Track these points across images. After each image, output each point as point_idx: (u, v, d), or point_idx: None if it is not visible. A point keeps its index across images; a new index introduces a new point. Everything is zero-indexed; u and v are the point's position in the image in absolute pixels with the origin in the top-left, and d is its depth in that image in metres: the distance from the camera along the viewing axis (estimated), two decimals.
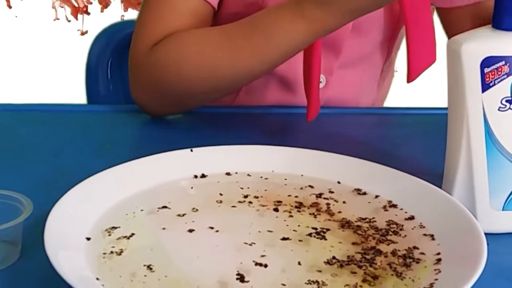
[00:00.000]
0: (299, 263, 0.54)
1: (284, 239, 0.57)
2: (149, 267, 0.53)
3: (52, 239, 0.52)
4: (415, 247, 0.56)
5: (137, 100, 0.78)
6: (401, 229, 0.59)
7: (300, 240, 0.57)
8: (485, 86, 0.58)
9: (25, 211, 0.56)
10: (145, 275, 0.52)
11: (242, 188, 0.64)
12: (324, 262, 0.54)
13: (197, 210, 0.61)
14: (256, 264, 0.54)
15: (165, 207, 0.61)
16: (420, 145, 0.77)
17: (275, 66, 0.72)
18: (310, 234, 0.58)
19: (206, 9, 0.77)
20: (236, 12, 0.77)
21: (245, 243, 0.56)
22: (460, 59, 0.58)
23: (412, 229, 0.59)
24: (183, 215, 0.60)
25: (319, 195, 0.63)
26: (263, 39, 0.70)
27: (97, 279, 0.51)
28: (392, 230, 0.59)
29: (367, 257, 0.55)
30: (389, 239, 0.57)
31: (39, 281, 0.54)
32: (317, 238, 0.57)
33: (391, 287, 0.52)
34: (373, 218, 0.60)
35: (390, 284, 0.52)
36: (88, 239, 0.56)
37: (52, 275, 0.50)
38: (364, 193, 0.64)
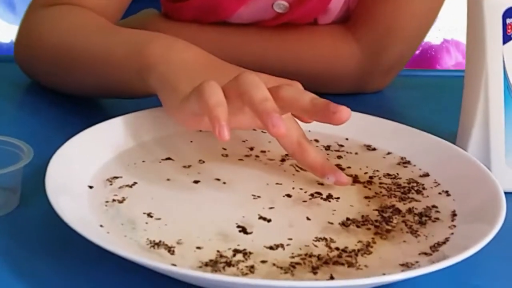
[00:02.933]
0: (307, 218, 0.52)
1: (291, 194, 0.55)
2: (149, 215, 0.51)
3: (53, 184, 0.50)
4: (434, 206, 0.54)
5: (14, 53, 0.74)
6: (423, 188, 0.56)
7: (311, 195, 0.55)
8: (507, 38, 0.56)
9: (25, 157, 0.54)
10: (146, 223, 0.50)
11: (244, 141, 0.62)
12: (337, 220, 0.52)
13: (203, 162, 0.59)
14: (260, 217, 0.52)
15: (169, 158, 0.59)
16: (432, 106, 0.75)
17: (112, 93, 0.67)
18: (318, 193, 0.55)
19: None
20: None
21: (253, 195, 0.54)
22: (481, 9, 0.56)
23: (431, 188, 0.57)
24: (189, 166, 0.58)
25: (327, 147, 0.62)
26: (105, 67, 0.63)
27: (101, 226, 0.49)
28: (414, 189, 0.56)
29: (385, 215, 0.53)
30: (410, 197, 0.55)
31: (38, 229, 0.52)
32: (327, 196, 0.55)
33: (402, 241, 0.50)
34: (397, 174, 0.58)
35: (402, 239, 0.50)
36: (91, 187, 0.54)
37: (52, 222, 0.48)
38: (374, 149, 0.62)
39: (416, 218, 0.53)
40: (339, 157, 0.61)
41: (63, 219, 0.47)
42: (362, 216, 0.52)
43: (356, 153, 0.61)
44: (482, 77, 0.58)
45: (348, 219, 0.52)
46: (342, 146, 0.62)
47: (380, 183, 0.57)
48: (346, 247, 0.49)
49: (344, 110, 0.51)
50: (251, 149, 0.61)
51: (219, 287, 0.45)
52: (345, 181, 0.56)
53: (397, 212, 0.53)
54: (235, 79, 0.53)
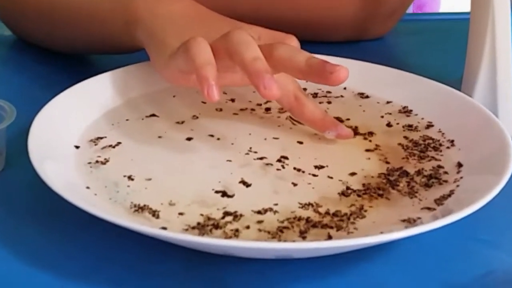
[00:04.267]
0: (293, 184, 0.49)
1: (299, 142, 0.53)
2: (130, 178, 0.49)
3: (37, 147, 0.48)
4: (439, 166, 0.51)
5: None
6: (440, 145, 0.53)
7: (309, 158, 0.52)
8: None
9: (7, 118, 0.51)
10: (128, 186, 0.48)
11: (225, 93, 0.59)
12: (335, 187, 0.48)
13: (197, 117, 0.56)
14: (241, 181, 0.49)
15: (153, 115, 0.56)
16: (437, 52, 0.73)
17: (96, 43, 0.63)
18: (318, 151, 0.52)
19: None
20: None
21: (249, 150, 0.52)
22: None
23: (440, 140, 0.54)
24: (182, 122, 0.55)
25: (314, 95, 0.59)
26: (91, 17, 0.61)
27: (87, 188, 0.47)
28: (431, 146, 0.53)
29: (391, 178, 0.49)
30: (430, 156, 0.52)
31: (25, 191, 0.50)
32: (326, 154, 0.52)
33: (400, 203, 0.47)
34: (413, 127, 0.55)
35: (400, 201, 0.47)
36: (77, 147, 0.51)
37: (39, 185, 0.45)
38: (367, 97, 0.59)
39: (424, 180, 0.49)
40: (329, 102, 0.59)
41: (48, 184, 0.45)
42: (364, 185, 0.49)
43: (350, 101, 0.59)
44: (489, 18, 0.55)
45: (348, 188, 0.48)
46: (341, 97, 0.60)
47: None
48: (338, 211, 0.46)
49: (341, 70, 0.48)
50: (232, 100, 0.58)
51: (208, 249, 0.43)
52: (347, 135, 0.54)
53: (405, 175, 0.50)
54: (225, 36, 0.50)
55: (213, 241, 0.41)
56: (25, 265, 0.44)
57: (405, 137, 0.54)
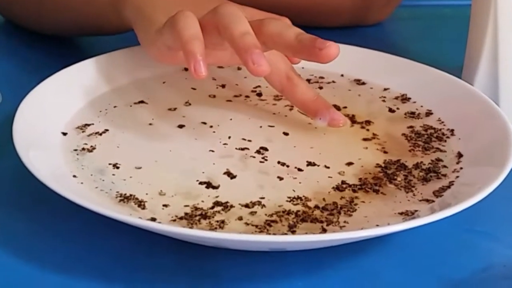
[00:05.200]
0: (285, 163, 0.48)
1: (285, 133, 0.51)
2: (115, 166, 0.47)
3: (22, 134, 0.47)
4: (438, 159, 0.49)
5: None
6: (443, 134, 0.51)
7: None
8: None
9: None
10: (113, 174, 0.46)
11: (214, 79, 0.57)
12: (330, 181, 0.47)
13: (189, 104, 0.54)
14: (225, 172, 0.47)
15: (142, 102, 0.54)
16: (437, 38, 0.72)
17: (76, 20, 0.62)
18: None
19: None
20: None
21: (243, 139, 0.50)
22: None
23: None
24: (174, 109, 0.54)
25: (307, 81, 0.57)
26: None
27: (74, 176, 0.46)
28: (434, 136, 0.51)
29: (388, 171, 0.48)
30: (435, 147, 0.50)
31: (12, 179, 0.49)
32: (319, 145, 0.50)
33: (394, 197, 0.46)
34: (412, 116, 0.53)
35: (395, 195, 0.46)
36: (64, 134, 0.50)
37: (26, 173, 0.44)
38: (364, 83, 0.58)
39: (422, 174, 0.48)
40: (320, 87, 0.57)
41: (33, 173, 0.43)
42: (360, 179, 0.47)
43: (345, 87, 0.58)
44: (491, 2, 0.53)
45: (343, 182, 0.47)
46: (333, 82, 0.58)
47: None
48: (328, 204, 0.44)
49: (331, 46, 0.45)
50: (223, 86, 0.57)
51: (197, 240, 0.42)
52: (341, 121, 0.52)
53: (403, 168, 0.48)
54: (213, 10, 0.48)
55: (202, 233, 0.40)
56: (8, 255, 0.43)
57: (408, 127, 0.53)
